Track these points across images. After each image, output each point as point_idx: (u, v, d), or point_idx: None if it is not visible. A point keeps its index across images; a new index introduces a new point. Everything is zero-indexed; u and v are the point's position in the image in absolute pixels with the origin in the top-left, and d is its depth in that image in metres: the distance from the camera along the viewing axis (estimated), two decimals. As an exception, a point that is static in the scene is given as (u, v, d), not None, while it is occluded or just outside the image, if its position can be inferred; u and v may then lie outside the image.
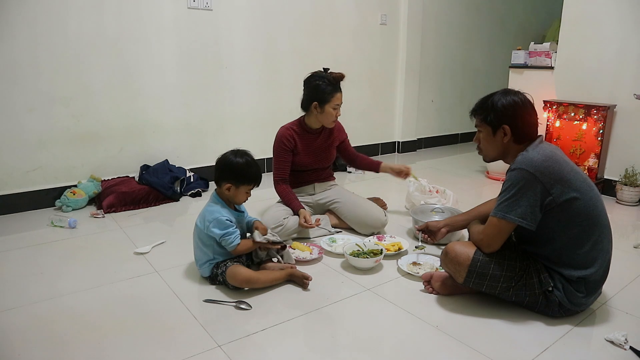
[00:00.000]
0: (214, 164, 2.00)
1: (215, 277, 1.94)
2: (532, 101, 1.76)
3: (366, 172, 3.91)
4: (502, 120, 1.72)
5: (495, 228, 1.68)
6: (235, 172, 1.93)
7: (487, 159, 1.86)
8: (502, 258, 1.71)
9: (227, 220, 1.91)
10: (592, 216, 1.65)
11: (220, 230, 1.89)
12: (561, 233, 1.65)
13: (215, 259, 1.95)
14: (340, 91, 2.46)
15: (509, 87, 1.81)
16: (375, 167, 2.77)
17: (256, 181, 1.98)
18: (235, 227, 1.93)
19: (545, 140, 1.76)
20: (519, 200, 1.61)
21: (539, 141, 1.72)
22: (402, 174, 2.71)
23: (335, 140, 2.66)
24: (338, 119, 2.57)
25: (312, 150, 2.57)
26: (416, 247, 2.28)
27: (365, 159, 2.81)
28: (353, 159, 2.78)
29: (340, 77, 2.46)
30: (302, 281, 1.94)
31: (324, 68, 2.50)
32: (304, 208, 2.45)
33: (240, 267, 1.91)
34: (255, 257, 2.08)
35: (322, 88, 2.43)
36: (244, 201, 2.03)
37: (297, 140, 2.53)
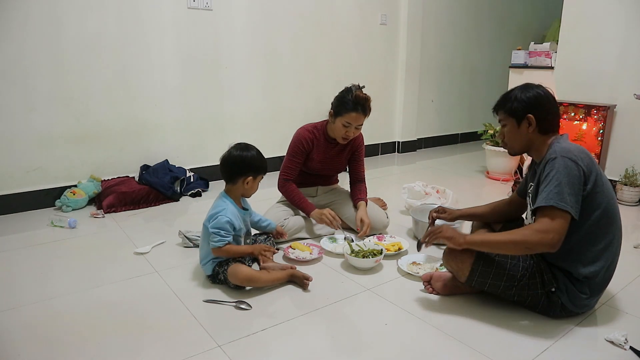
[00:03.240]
0: (221, 163, 2.01)
1: (216, 276, 1.94)
2: (553, 95, 1.76)
3: (366, 172, 3.92)
4: (527, 110, 1.71)
5: (556, 219, 1.53)
6: (252, 164, 1.99)
7: (513, 152, 1.84)
8: (505, 257, 1.71)
9: (227, 223, 1.91)
10: (610, 213, 1.64)
11: (213, 228, 1.90)
12: (580, 225, 1.60)
13: (219, 257, 1.95)
14: (359, 113, 2.30)
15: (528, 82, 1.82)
16: (354, 201, 2.58)
17: (266, 170, 2.08)
18: (230, 235, 1.93)
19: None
20: (567, 188, 1.54)
21: (566, 136, 1.72)
22: (359, 231, 2.41)
23: (349, 152, 2.59)
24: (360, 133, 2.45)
25: (326, 159, 2.52)
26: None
27: (356, 188, 2.60)
28: (352, 179, 2.65)
29: (361, 97, 2.30)
30: (302, 282, 1.94)
31: (360, 84, 2.37)
32: (316, 209, 2.40)
33: (241, 265, 1.92)
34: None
35: (342, 100, 2.33)
36: (255, 191, 2.08)
37: (314, 146, 2.48)
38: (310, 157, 2.50)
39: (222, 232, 1.90)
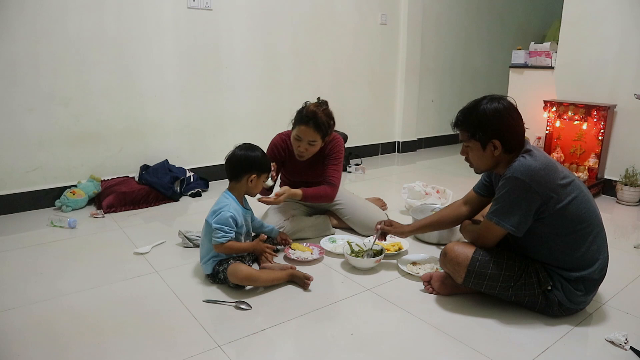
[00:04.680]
0: (226, 162, 2.03)
1: (216, 275, 1.94)
2: (515, 105, 1.71)
3: (366, 171, 3.93)
4: (491, 136, 1.67)
5: (490, 232, 1.72)
6: (257, 163, 2.02)
7: (479, 171, 1.84)
8: (501, 257, 1.72)
9: (230, 218, 1.92)
10: (584, 219, 1.65)
11: (216, 224, 1.91)
12: (557, 240, 1.66)
13: (219, 255, 1.95)
14: (308, 126, 2.23)
15: (492, 94, 1.71)
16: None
17: (270, 170, 2.13)
18: (233, 232, 1.94)
19: (530, 143, 1.74)
20: (514, 209, 1.62)
21: (531, 146, 1.70)
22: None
23: (325, 159, 2.47)
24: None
25: (301, 168, 2.47)
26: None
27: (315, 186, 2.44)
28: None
29: (310, 109, 2.24)
30: (303, 282, 1.94)
31: (319, 98, 2.35)
32: None
33: (241, 264, 1.92)
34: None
35: (297, 113, 2.31)
36: (260, 191, 2.11)
37: (287, 155, 2.46)
38: (287, 166, 2.48)
39: (226, 227, 1.90)
